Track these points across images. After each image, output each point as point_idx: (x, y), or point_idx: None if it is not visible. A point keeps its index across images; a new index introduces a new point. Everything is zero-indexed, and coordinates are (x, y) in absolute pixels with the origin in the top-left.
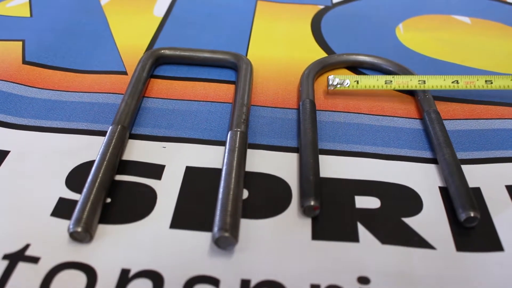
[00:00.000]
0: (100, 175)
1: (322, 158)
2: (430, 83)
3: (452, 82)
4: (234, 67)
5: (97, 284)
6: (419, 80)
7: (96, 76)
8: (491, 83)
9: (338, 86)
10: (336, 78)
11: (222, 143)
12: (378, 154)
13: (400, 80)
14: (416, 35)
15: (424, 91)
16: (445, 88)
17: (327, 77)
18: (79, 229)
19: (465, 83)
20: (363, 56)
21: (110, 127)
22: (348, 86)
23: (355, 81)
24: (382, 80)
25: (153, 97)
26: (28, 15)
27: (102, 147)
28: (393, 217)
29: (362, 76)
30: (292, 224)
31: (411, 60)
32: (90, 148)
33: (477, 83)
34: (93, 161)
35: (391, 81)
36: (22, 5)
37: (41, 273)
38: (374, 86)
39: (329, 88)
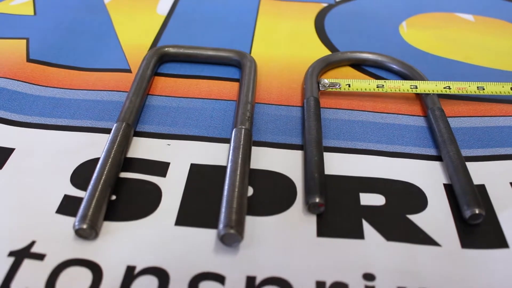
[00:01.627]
0: (105, 172)
1: (327, 156)
2: (422, 87)
3: (444, 88)
4: (238, 65)
5: (102, 281)
6: (411, 85)
7: (100, 74)
8: (483, 89)
9: (330, 88)
10: (327, 81)
11: (226, 140)
12: (382, 151)
13: (391, 85)
14: (419, 33)
15: None
16: (436, 93)
17: (319, 79)
18: (85, 226)
19: (457, 88)
20: (366, 53)
21: (115, 125)
22: (340, 88)
23: (346, 84)
24: (374, 84)
25: (157, 95)
26: (32, 13)
27: (107, 144)
28: (398, 214)
29: (354, 79)
30: (297, 221)
31: (415, 57)
32: (95, 146)
33: (469, 89)
34: (98, 159)
35: (383, 85)
36: (26, 3)
37: (47, 270)
38: (365, 90)
39: (320, 89)
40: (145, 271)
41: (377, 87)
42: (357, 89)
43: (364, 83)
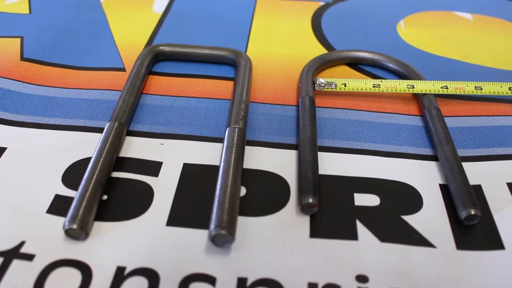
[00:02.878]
0: (96, 172)
1: (321, 155)
2: (419, 87)
3: (442, 87)
4: (233, 64)
5: (92, 281)
6: (407, 85)
7: (94, 73)
8: (481, 89)
9: (326, 88)
10: (323, 80)
11: (220, 140)
12: (377, 151)
13: (388, 84)
14: (417, 31)
15: None
16: (434, 93)
17: (315, 78)
18: (75, 226)
19: (455, 88)
20: (363, 52)
21: (107, 124)
22: (335, 88)
23: (342, 84)
24: (370, 84)
25: (151, 94)
26: (27, 12)
27: (99, 144)
28: (392, 214)
29: (349, 79)
30: (290, 221)
31: (412, 56)
32: (87, 145)
33: (467, 88)
34: (90, 158)
35: (379, 85)
36: (21, 2)
37: (36, 270)
38: (362, 89)
39: (316, 89)
40: (135, 272)
41: (373, 86)
42: (353, 89)
43: (360, 83)
